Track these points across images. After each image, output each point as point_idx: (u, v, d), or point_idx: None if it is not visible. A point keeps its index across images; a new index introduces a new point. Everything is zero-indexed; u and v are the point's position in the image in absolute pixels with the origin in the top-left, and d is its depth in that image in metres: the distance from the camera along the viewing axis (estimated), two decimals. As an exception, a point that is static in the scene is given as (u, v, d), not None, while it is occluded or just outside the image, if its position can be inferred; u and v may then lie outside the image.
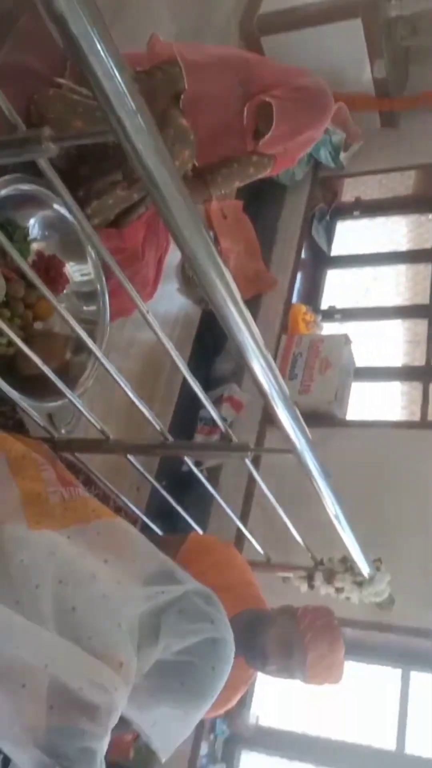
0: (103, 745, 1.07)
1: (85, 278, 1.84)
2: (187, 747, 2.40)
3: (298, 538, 2.16)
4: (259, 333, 1.14)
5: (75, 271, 1.83)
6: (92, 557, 1.23)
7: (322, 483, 1.68)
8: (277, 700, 2.68)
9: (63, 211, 1.71)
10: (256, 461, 1.91)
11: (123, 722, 1.20)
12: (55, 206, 1.72)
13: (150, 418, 1.51)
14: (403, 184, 4.03)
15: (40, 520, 1.25)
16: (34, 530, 1.22)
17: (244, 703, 2.62)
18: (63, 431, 1.78)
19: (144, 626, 1.18)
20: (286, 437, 1.36)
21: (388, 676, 2.64)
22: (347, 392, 3.18)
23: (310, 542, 2.22)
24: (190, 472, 3.08)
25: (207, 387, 3.34)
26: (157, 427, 1.54)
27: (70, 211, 1.12)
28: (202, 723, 2.42)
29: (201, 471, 3.09)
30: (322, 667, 1.80)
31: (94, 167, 1.89)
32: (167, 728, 1.21)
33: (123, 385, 1.43)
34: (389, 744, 2.48)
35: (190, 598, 1.26)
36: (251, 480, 3.03)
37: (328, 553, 2.32)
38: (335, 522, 1.85)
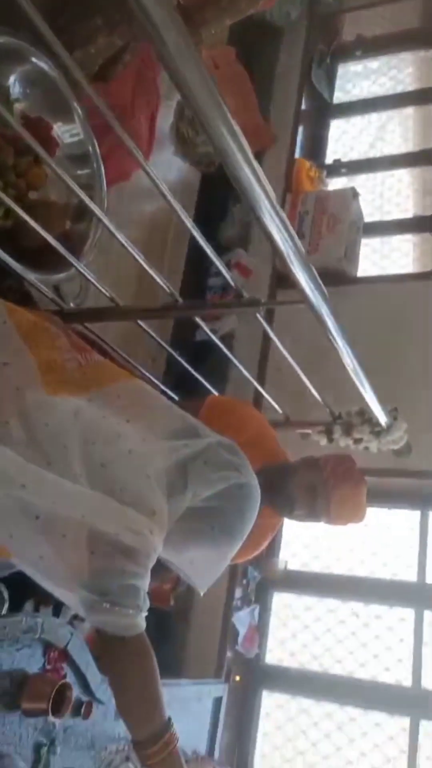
0: (144, 583, 1.13)
1: (75, 139, 1.74)
2: (222, 592, 2.58)
3: (316, 394, 2.19)
4: (270, 186, 1.09)
5: (63, 133, 1.73)
6: (114, 418, 1.25)
7: (339, 337, 1.68)
8: (304, 545, 2.84)
9: (43, 64, 1.59)
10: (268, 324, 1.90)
11: (162, 568, 1.29)
12: (34, 60, 1.59)
13: (159, 280, 1.48)
14: (407, 16, 3.70)
15: (59, 387, 1.26)
16: (54, 396, 1.24)
17: (273, 550, 2.79)
18: (72, 305, 1.76)
19: (172, 478, 1.22)
20: (303, 294, 1.34)
21: (407, 517, 2.78)
22: (357, 248, 3.10)
23: (327, 398, 2.26)
24: (204, 342, 3.10)
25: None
26: (167, 289, 1.52)
27: (55, 56, 1.04)
28: (235, 570, 2.58)
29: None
30: (346, 509, 1.89)
31: (72, 15, 1.74)
32: (203, 566, 1.28)
33: (129, 247, 1.39)
34: (410, 575, 2.65)
35: (214, 450, 1.29)
36: (265, 345, 3.04)
37: (345, 407, 2.37)
38: (352, 375, 1.86)
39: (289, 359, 1.90)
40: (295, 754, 2.53)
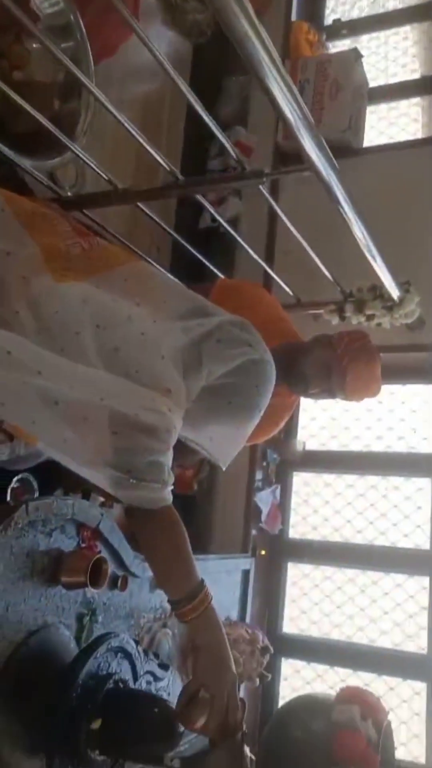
0: (167, 459, 1.16)
1: (56, 8, 1.62)
2: (244, 475, 2.66)
3: (326, 272, 2.15)
4: (272, 44, 1.01)
5: (42, 2, 1.60)
6: (124, 301, 1.24)
7: (349, 208, 1.62)
8: (321, 426, 2.90)
9: None
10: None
11: (186, 450, 1.31)
12: None
13: (158, 157, 1.42)
14: None
15: (65, 273, 1.24)
16: (61, 283, 1.22)
17: (291, 432, 2.84)
18: (69, 193, 1.70)
19: (186, 357, 1.21)
20: (311, 164, 1.28)
21: (422, 392, 2.80)
22: (362, 117, 2.94)
23: (337, 277, 2.22)
24: (208, 230, 3.02)
25: (210, 135, 3.12)
26: (167, 167, 1.46)
27: None
28: (255, 453, 2.65)
29: (218, 226, 3.02)
30: (361, 384, 1.90)
31: None
32: (223, 442, 1.31)
33: (123, 122, 1.32)
34: (426, 447, 2.71)
35: (226, 328, 1.28)
36: (271, 230, 2.95)
37: (356, 284, 2.33)
38: (363, 248, 1.81)
39: (297, 235, 1.85)
40: (321, 616, 2.70)
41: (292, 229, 1.80)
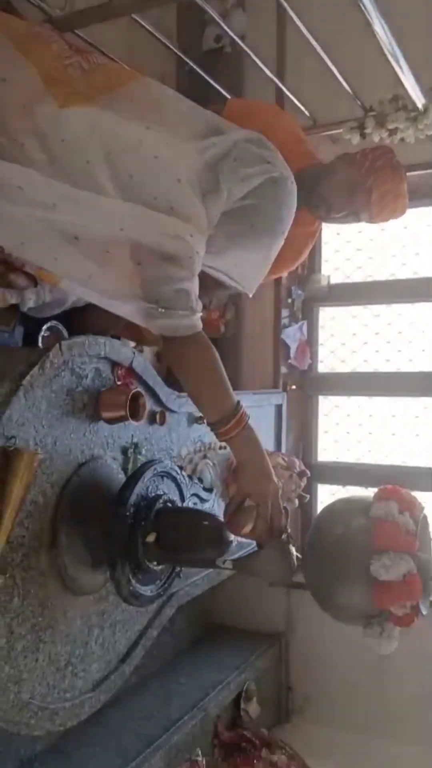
0: (193, 286, 1.16)
1: None
2: (269, 314, 2.66)
3: (344, 83, 2.00)
4: None
5: None
6: (132, 125, 1.17)
7: (372, 6, 1.47)
8: (345, 258, 2.83)
9: None
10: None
11: (208, 286, 1.30)
12: None
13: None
14: None
15: (69, 99, 1.17)
16: (64, 109, 1.15)
17: (315, 266, 2.79)
18: (58, 12, 1.55)
19: (203, 179, 1.17)
20: None
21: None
22: None
23: (356, 89, 2.06)
24: (213, 52, 2.79)
25: None
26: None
27: None
28: (279, 290, 2.63)
29: (222, 47, 2.77)
30: (387, 202, 1.81)
31: None
32: (248, 267, 1.29)
33: None
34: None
35: (242, 146, 1.22)
36: (281, 45, 2.70)
37: (376, 97, 2.17)
38: (384, 49, 1.67)
39: (311, 40, 1.70)
40: (354, 444, 2.81)
41: (305, 32, 1.65)
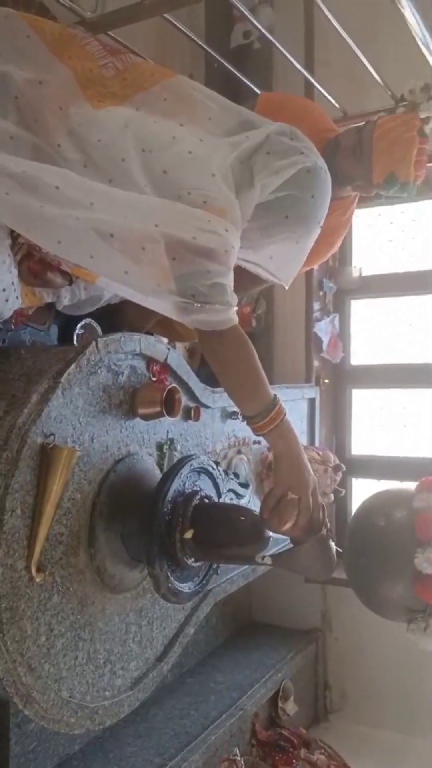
0: (228, 280, 1.15)
1: None
2: (301, 307, 2.64)
3: (375, 74, 1.97)
4: None
5: None
6: (166, 122, 1.18)
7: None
8: (378, 248, 2.80)
9: None
10: None
11: (242, 280, 1.29)
12: None
13: None
14: None
15: (103, 99, 1.18)
16: (99, 110, 1.16)
17: (346, 259, 2.77)
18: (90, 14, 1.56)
19: (237, 174, 1.17)
20: None
21: None
22: None
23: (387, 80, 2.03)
24: (241, 48, 2.77)
25: None
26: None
27: None
28: (310, 284, 2.60)
29: (250, 42, 2.76)
30: (391, 142, 1.71)
31: None
32: (283, 259, 1.28)
33: None
34: None
35: (275, 138, 1.22)
36: (309, 37, 2.68)
37: (407, 86, 2.13)
38: (416, 36, 1.64)
39: (341, 31, 1.68)
40: (388, 436, 2.77)
41: (335, 23, 1.62)
